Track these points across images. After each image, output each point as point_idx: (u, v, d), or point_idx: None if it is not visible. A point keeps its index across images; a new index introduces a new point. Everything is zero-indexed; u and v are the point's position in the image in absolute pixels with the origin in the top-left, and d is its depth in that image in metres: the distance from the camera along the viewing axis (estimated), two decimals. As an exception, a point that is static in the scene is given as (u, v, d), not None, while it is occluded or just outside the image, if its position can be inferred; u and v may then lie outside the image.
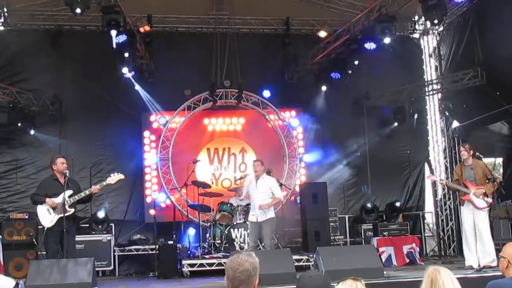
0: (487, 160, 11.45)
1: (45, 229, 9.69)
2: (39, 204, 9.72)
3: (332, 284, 4.35)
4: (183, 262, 11.99)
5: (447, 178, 15.05)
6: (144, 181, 15.05)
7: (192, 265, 11.93)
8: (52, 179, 9.99)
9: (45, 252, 10.02)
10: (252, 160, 11.98)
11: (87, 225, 13.76)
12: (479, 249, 10.46)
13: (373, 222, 14.79)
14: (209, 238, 12.86)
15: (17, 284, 11.03)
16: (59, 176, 9.91)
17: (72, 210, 9.75)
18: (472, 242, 10.55)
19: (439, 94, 16.33)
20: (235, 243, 12.21)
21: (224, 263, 11.26)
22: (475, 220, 10.59)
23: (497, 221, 11.71)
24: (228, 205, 13.06)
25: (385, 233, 14.06)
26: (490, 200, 10.60)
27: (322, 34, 15.02)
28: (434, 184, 16.35)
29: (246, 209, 12.88)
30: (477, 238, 10.53)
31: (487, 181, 10.57)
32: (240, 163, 15.62)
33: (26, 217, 12.40)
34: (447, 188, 15.22)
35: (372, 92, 15.90)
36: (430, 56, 16.97)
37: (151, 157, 14.98)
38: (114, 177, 10.04)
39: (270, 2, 15.02)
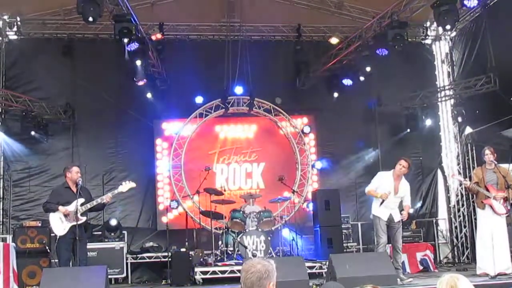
0: (501, 166, 11.33)
1: (58, 237, 9.71)
2: (51, 212, 9.74)
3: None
4: (196, 269, 11.95)
5: (460, 185, 14.95)
6: (157, 188, 15.07)
7: (204, 273, 11.89)
8: (64, 187, 10.01)
9: (57, 260, 10.05)
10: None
11: (100, 232, 13.78)
12: (495, 255, 10.34)
13: (385, 228, 14.70)
14: (222, 246, 12.84)
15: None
16: (71, 185, 9.93)
17: (84, 218, 9.77)
18: (489, 249, 10.44)
19: (452, 100, 16.23)
20: (247, 250, 12.16)
21: (237, 270, 11.33)
22: (493, 226, 10.48)
23: (511, 228, 11.60)
24: (241, 212, 13.04)
25: (398, 240, 13.96)
26: (509, 206, 10.50)
27: (334, 40, 15.01)
28: (447, 190, 16.28)
29: (258, 217, 12.86)
30: (493, 245, 10.42)
31: (506, 187, 10.47)
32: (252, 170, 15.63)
33: (39, 225, 12.43)
34: (465, 190, 15.10)
35: (384, 99, 15.87)
36: (442, 62, 16.90)
37: (163, 165, 14.99)
38: (126, 185, 10.06)
39: (281, 9, 15.06)
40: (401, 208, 10.75)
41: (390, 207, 10.64)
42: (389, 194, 10.46)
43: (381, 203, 10.55)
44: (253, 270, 3.79)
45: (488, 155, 10.65)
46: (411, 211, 14.95)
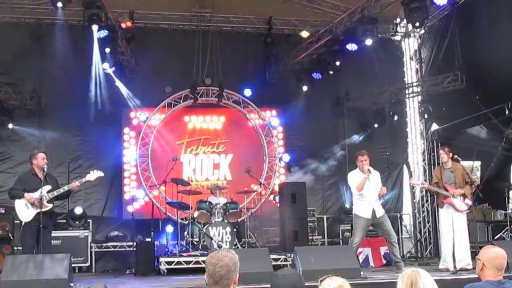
0: (465, 163, 11.53)
1: (23, 223, 9.61)
2: (16, 198, 9.64)
3: (306, 284, 4.38)
4: (161, 259, 11.95)
5: (425, 180, 15.14)
6: (123, 177, 14.96)
7: (169, 263, 11.89)
8: (31, 174, 9.90)
9: (21, 247, 9.94)
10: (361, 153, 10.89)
11: (64, 221, 13.67)
12: (456, 251, 10.55)
13: (351, 222, 14.80)
14: (187, 236, 12.83)
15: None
16: (38, 171, 9.84)
17: (51, 205, 9.69)
18: (450, 245, 10.64)
19: (419, 97, 16.43)
20: (213, 241, 12.17)
21: (202, 261, 11.33)
22: (454, 223, 10.68)
23: (473, 224, 11.80)
24: (207, 203, 13.02)
25: (362, 234, 14.08)
26: (470, 202, 10.70)
27: (304, 34, 15.04)
28: (412, 186, 16.45)
29: (225, 208, 12.86)
30: (454, 241, 10.62)
31: (466, 184, 10.66)
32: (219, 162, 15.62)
33: (3, 211, 12.28)
34: (426, 191, 15.37)
35: (353, 93, 15.97)
36: (411, 58, 17.06)
37: (130, 154, 14.90)
38: (94, 174, 9.99)
39: (253, 1, 15.00)
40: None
41: (369, 202, 10.52)
42: (367, 170, 10.49)
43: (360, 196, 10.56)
44: (221, 264, 3.83)
45: (442, 155, 10.95)
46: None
